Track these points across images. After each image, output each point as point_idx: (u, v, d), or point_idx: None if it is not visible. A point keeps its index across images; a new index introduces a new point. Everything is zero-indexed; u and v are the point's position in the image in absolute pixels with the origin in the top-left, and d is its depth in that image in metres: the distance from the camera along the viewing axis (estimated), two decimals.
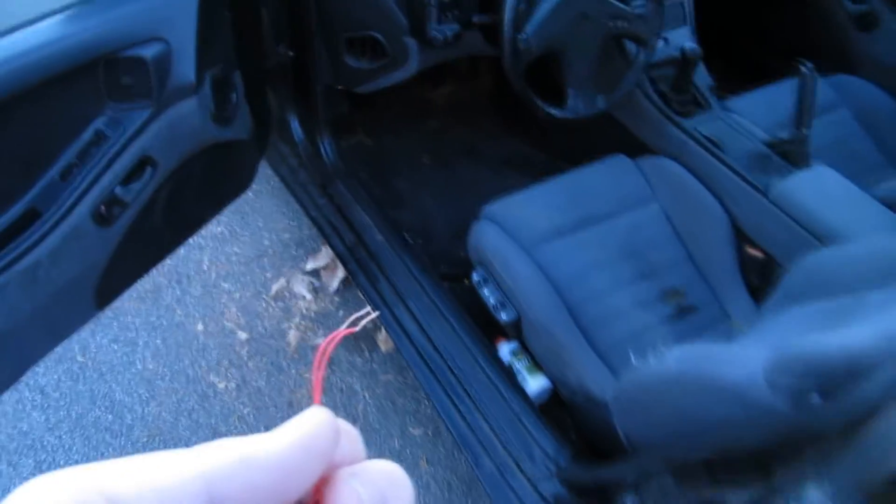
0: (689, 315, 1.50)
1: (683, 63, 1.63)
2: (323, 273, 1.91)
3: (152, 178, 1.24)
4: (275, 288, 1.88)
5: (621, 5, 1.40)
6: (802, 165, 1.58)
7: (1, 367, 1.13)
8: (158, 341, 1.74)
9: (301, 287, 1.88)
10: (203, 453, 0.23)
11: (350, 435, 0.27)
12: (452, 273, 1.64)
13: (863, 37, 2.10)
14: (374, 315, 0.33)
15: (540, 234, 1.48)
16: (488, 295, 1.44)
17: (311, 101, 1.73)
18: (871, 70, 2.11)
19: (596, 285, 1.46)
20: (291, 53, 1.67)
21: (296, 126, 1.79)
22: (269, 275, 1.92)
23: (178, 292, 1.84)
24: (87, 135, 1.14)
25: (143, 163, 1.20)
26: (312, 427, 0.24)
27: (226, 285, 1.88)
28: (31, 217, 1.10)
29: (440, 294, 1.49)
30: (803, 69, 1.51)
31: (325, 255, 1.92)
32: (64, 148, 1.13)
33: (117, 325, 1.76)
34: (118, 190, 1.18)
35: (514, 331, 1.45)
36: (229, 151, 1.42)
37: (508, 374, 1.43)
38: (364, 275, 1.56)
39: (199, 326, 1.77)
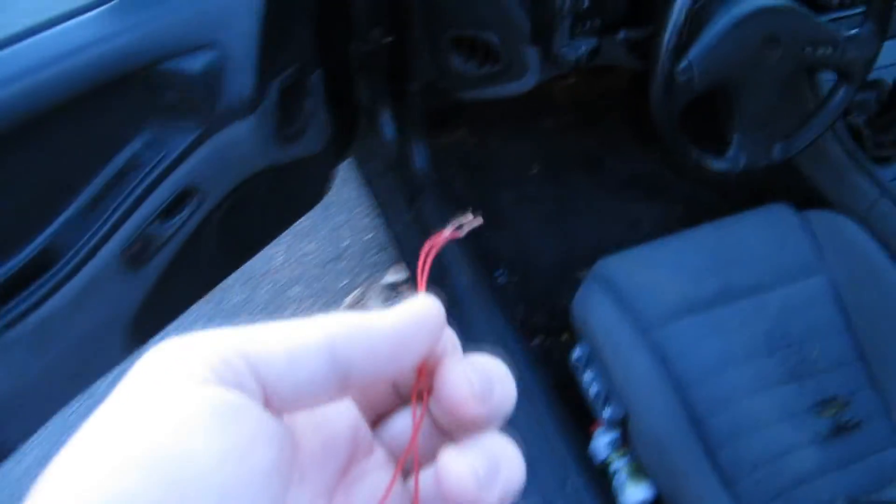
0: (849, 434, 1.16)
1: (893, 97, 1.22)
2: (402, 289, 1.68)
3: (197, 211, 1.03)
4: (348, 300, 1.67)
5: (828, 26, 1.02)
6: None
7: (10, 429, 0.98)
8: None
9: (377, 303, 1.66)
10: (328, 322, 0.24)
11: (452, 336, 0.28)
12: (549, 326, 1.36)
13: None
14: (478, 222, 0.30)
15: (666, 310, 1.17)
16: (590, 381, 1.16)
17: (406, 98, 1.45)
18: None
19: (731, 385, 1.14)
20: (389, 39, 1.39)
21: (387, 122, 1.52)
22: (344, 282, 1.71)
23: (244, 295, 1.67)
24: (120, 161, 0.93)
25: (185, 194, 0.98)
26: (423, 307, 0.26)
27: (296, 290, 1.69)
28: (46, 261, 0.91)
29: (528, 363, 1.22)
30: None
31: (406, 268, 1.68)
32: (91, 177, 0.92)
33: (165, 333, 1.61)
34: (154, 227, 0.97)
35: (619, 427, 1.17)
36: (296, 168, 1.18)
37: (601, 477, 1.17)
38: None
39: None
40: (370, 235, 1.80)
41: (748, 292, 1.22)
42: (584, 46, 1.02)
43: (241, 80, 0.96)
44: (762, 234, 1.28)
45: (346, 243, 1.79)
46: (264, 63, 0.99)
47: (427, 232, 1.46)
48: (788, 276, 1.24)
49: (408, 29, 1.30)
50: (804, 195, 1.35)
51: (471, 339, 1.29)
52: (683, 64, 0.95)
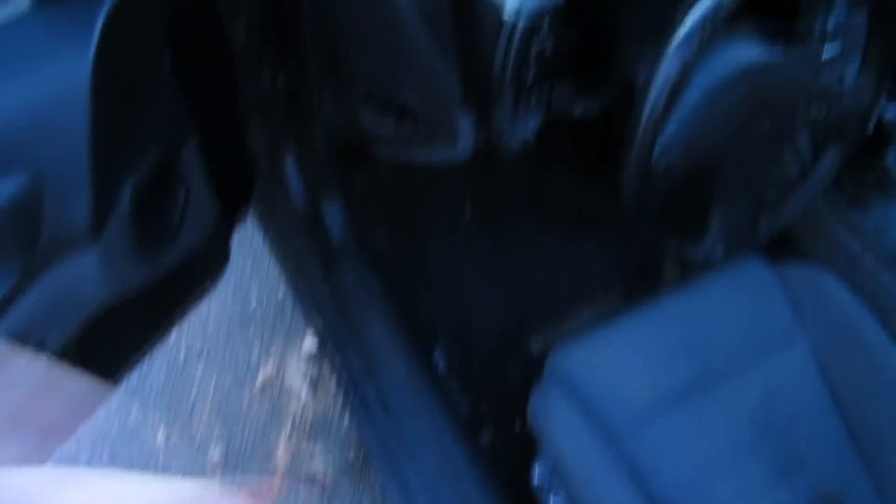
0: None
1: (878, 138, 1.06)
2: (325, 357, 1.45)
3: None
4: (262, 377, 1.43)
5: (823, 82, 0.84)
6: None
7: None
8: (105, 456, 1.31)
9: (296, 376, 1.43)
10: None
11: None
12: (498, 416, 1.17)
13: None
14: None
15: (637, 410, 0.99)
16: None
17: (313, 147, 1.20)
18: None
19: (716, 497, 0.98)
20: (283, 82, 1.12)
21: (292, 173, 1.26)
22: (255, 352, 1.47)
23: (136, 379, 1.40)
24: None
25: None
26: None
27: (199, 368, 1.43)
28: None
29: (477, 482, 1.03)
30: None
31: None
32: None
33: None
34: None
35: None
36: (176, 270, 0.93)
37: None
38: (370, 423, 1.10)
39: (161, 436, 1.34)
40: (284, 291, 1.55)
41: (726, 374, 1.05)
42: (530, 125, 0.80)
43: (71, 203, 0.69)
44: (735, 298, 1.12)
45: (255, 302, 1.54)
46: (106, 168, 0.72)
47: (347, 310, 1.23)
48: (768, 348, 1.08)
49: (306, 72, 1.04)
50: (777, 241, 1.19)
51: (406, 449, 1.09)
52: (659, 149, 0.75)
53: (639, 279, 1.41)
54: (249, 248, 1.60)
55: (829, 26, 0.98)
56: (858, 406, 1.07)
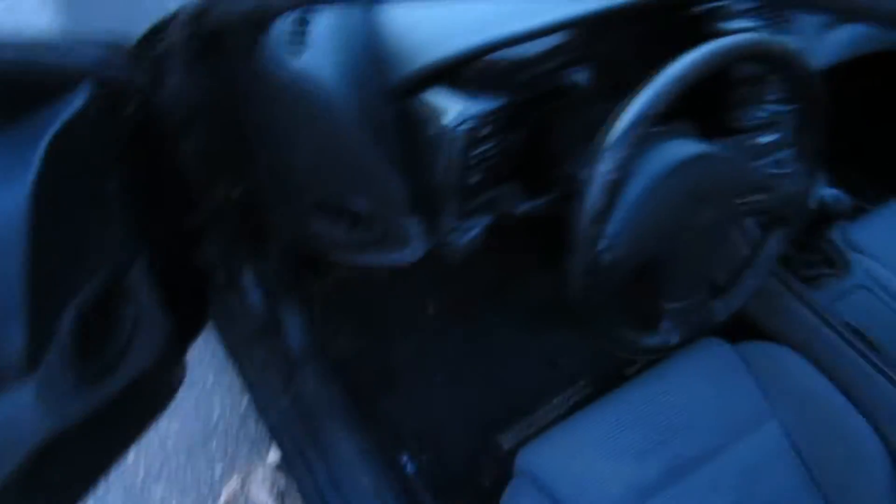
0: None
1: (820, 218, 1.09)
2: None
3: None
4: (226, 494, 1.36)
5: (759, 170, 0.87)
6: None
7: None
8: None
9: (262, 490, 1.36)
10: None
11: None
12: None
13: None
14: None
15: None
16: None
17: (269, 257, 1.19)
18: None
19: None
20: (236, 194, 1.13)
21: (250, 284, 1.25)
22: (218, 468, 1.40)
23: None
24: None
25: None
26: None
27: (159, 490, 1.36)
28: None
29: None
30: None
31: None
32: None
33: None
34: None
35: None
36: (124, 395, 0.89)
37: None
38: None
39: None
40: (246, 399, 1.50)
41: (700, 461, 1.03)
42: (476, 227, 0.81)
43: (2, 334, 0.67)
44: (701, 383, 1.11)
45: (217, 414, 1.48)
46: (44, 295, 0.71)
47: (310, 420, 1.20)
48: (739, 430, 1.07)
49: (257, 185, 1.05)
50: (735, 323, 1.20)
51: None
52: (604, 244, 0.76)
53: (607, 368, 1.40)
54: (212, 360, 1.56)
55: (759, 119, 1.04)
56: (835, 481, 1.05)
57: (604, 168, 0.69)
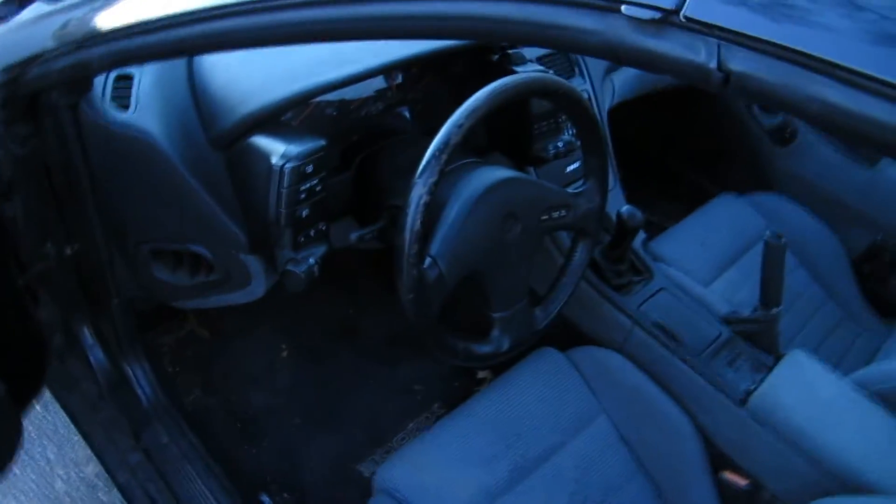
0: None
1: (620, 231, 1.25)
2: None
3: None
4: None
5: (558, 189, 1.00)
6: (773, 352, 1.25)
7: None
8: None
9: None
10: None
11: None
12: None
13: (780, 151, 1.86)
14: None
15: None
16: None
17: (111, 310, 1.17)
18: (790, 185, 1.89)
19: None
20: (70, 251, 1.11)
21: (91, 344, 1.22)
22: None
23: None
24: None
25: None
26: None
27: None
28: None
29: None
30: (771, 240, 1.18)
31: None
32: None
33: None
34: None
35: None
36: None
37: None
38: None
39: None
40: (93, 468, 1.43)
41: (542, 459, 1.13)
42: (312, 258, 0.87)
43: None
44: (539, 388, 1.22)
45: (61, 486, 1.40)
46: None
47: (165, 471, 1.17)
48: (575, 426, 1.18)
49: (91, 240, 1.04)
50: (565, 333, 1.33)
51: None
52: (427, 262, 0.84)
53: (460, 389, 1.49)
54: (53, 435, 1.48)
55: (558, 148, 1.19)
56: (656, 463, 1.19)
57: (417, 192, 0.79)
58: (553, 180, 1.28)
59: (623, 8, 0.41)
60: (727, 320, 1.30)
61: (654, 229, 1.52)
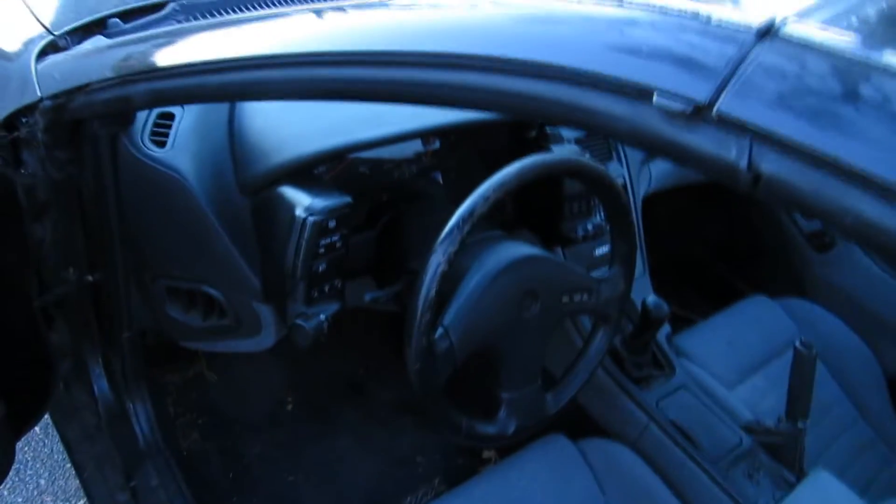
0: None
1: (645, 322, 1.22)
2: None
3: None
4: None
5: (582, 272, 0.97)
6: (795, 470, 1.18)
7: None
8: None
9: None
10: None
11: None
12: None
13: (817, 257, 1.82)
14: None
15: None
16: None
17: (119, 344, 1.17)
18: (826, 292, 1.84)
19: None
20: (90, 278, 1.11)
21: (97, 373, 1.21)
22: None
23: None
24: None
25: None
26: None
27: None
28: None
29: None
30: (801, 348, 1.13)
31: None
32: None
33: None
34: None
35: None
36: None
37: None
38: None
39: None
40: (84, 501, 1.40)
41: None
42: (323, 314, 0.85)
43: None
44: (543, 477, 1.16)
45: None
46: None
47: None
48: None
49: (112, 270, 1.05)
50: (577, 420, 1.28)
51: None
52: (439, 332, 0.82)
53: (463, 466, 1.44)
54: (47, 461, 1.46)
55: (588, 230, 1.17)
56: None
57: (435, 260, 0.77)
58: (581, 262, 1.26)
59: (655, 98, 0.40)
60: (749, 429, 1.24)
61: (680, 322, 1.48)
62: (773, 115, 0.37)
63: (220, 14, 1.11)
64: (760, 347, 1.58)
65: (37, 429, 1.50)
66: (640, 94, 0.41)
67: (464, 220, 0.78)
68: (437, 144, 1.15)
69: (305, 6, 0.68)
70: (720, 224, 1.98)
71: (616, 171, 1.33)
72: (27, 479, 1.42)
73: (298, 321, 0.84)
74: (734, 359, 1.53)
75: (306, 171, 0.88)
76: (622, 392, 1.25)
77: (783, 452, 1.20)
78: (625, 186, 1.34)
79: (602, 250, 1.29)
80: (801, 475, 1.15)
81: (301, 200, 0.83)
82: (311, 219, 0.82)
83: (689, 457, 1.18)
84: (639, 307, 1.23)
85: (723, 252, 1.99)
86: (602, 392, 1.26)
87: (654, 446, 1.21)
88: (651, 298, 1.20)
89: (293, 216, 0.82)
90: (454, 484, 1.16)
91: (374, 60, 0.55)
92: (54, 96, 0.85)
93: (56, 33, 0.98)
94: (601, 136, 1.16)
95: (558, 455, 1.20)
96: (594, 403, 1.27)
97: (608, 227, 1.18)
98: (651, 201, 1.47)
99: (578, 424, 1.27)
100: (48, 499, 1.40)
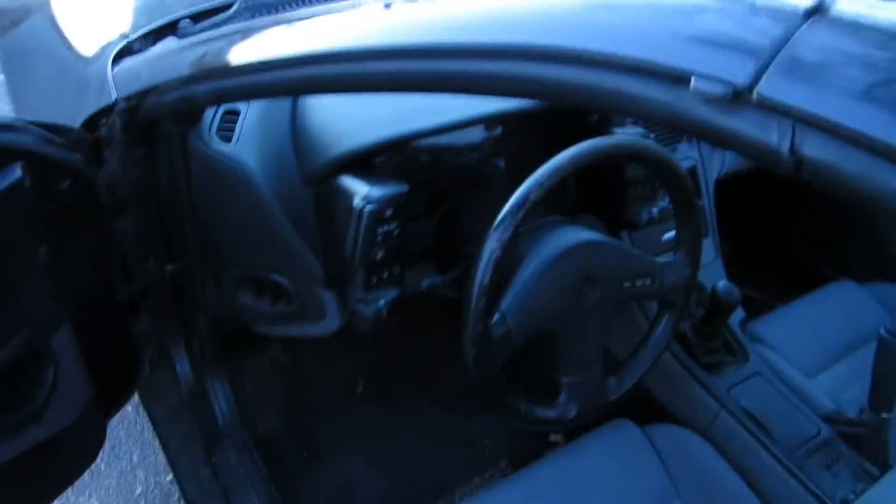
0: None
1: (714, 308, 1.18)
2: None
3: None
4: None
5: (645, 257, 0.95)
6: (879, 463, 1.12)
7: None
8: None
9: None
10: None
11: None
12: None
13: None
14: None
15: None
16: None
17: (199, 330, 1.23)
18: None
19: None
20: (169, 268, 1.18)
21: (179, 355, 1.28)
22: None
23: None
24: None
25: None
26: None
27: None
28: None
29: None
30: (887, 336, 1.07)
31: None
32: None
33: None
34: None
35: None
36: (39, 450, 0.91)
37: None
38: None
39: None
40: (171, 476, 1.49)
41: None
42: (382, 300, 0.87)
43: None
44: (610, 463, 1.15)
45: (139, 490, 1.47)
46: None
47: (229, 491, 1.20)
48: None
49: (187, 260, 1.11)
50: (645, 406, 1.26)
51: None
52: (496, 317, 0.83)
53: (529, 448, 1.44)
54: (140, 437, 1.56)
55: (653, 214, 1.14)
56: None
57: (490, 246, 0.77)
58: (648, 246, 1.23)
59: (692, 82, 0.39)
60: (829, 419, 1.19)
61: (758, 306, 1.42)
62: (817, 97, 0.35)
63: (285, 9, 1.14)
64: (844, 334, 1.50)
65: (129, 408, 1.60)
66: (678, 78, 0.40)
67: (518, 206, 0.78)
68: (498, 131, 1.14)
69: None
70: (801, 206, 1.88)
71: (686, 153, 1.29)
72: (121, 455, 1.52)
73: (358, 307, 0.87)
74: (815, 346, 1.46)
75: (365, 161, 0.90)
76: (691, 378, 1.22)
77: (865, 444, 1.14)
78: (694, 169, 1.30)
79: (669, 234, 1.26)
80: (884, 468, 1.09)
81: (359, 190, 0.85)
82: (368, 208, 0.84)
83: (763, 446, 1.14)
84: (709, 286, 1.19)
85: (805, 235, 1.89)
86: (670, 378, 1.24)
87: (725, 434, 1.18)
88: (722, 284, 1.16)
89: (351, 206, 0.85)
90: (520, 466, 1.16)
91: (431, 53, 0.56)
92: (129, 98, 0.90)
93: (131, 37, 1.04)
94: (637, 119, 1.13)
95: (625, 440, 1.18)
96: (662, 389, 1.25)
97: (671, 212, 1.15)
98: (728, 184, 1.42)
99: (646, 410, 1.24)
100: (140, 473, 1.50)
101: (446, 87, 0.58)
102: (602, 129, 1.09)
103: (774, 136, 0.37)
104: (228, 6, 1.13)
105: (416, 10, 0.62)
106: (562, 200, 1.15)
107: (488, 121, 1.08)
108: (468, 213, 1.03)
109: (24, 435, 0.87)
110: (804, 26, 0.37)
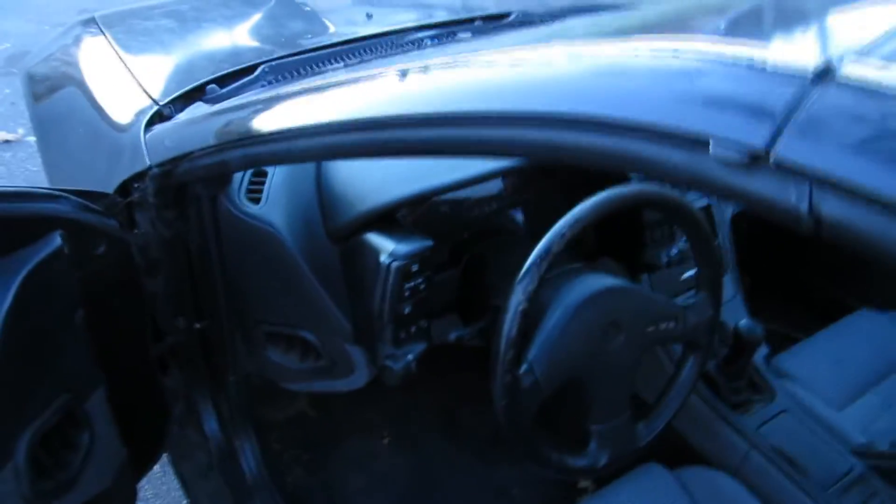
0: None
1: (738, 346, 1.18)
2: None
3: None
4: None
5: (666, 300, 0.96)
6: None
7: None
8: None
9: None
10: None
11: None
12: None
13: None
14: None
15: None
16: None
17: (227, 385, 1.25)
18: None
19: None
20: (198, 326, 1.20)
21: (207, 413, 1.29)
22: None
23: None
24: None
25: None
26: None
27: None
28: None
29: None
30: None
31: None
32: None
33: None
34: None
35: None
36: None
37: None
38: None
39: None
40: None
41: None
42: (410, 354, 0.89)
43: None
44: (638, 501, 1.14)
45: None
46: (4, 419, 0.76)
47: None
48: None
49: (217, 318, 1.13)
50: (674, 449, 1.25)
51: None
52: (524, 367, 0.84)
53: (560, 498, 1.43)
54: (166, 497, 1.56)
55: (672, 256, 1.16)
56: None
57: (516, 299, 0.79)
58: (667, 288, 1.24)
59: (711, 147, 0.41)
60: (861, 453, 1.18)
61: (782, 340, 1.42)
62: (832, 158, 0.37)
63: (305, 70, 1.19)
64: (871, 364, 1.49)
65: (157, 467, 1.60)
66: (697, 143, 0.42)
67: (541, 258, 0.80)
68: (516, 180, 1.17)
69: (381, 66, 0.72)
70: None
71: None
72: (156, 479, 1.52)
73: (387, 362, 0.88)
74: (842, 377, 1.45)
75: (389, 217, 0.93)
76: (719, 418, 1.21)
77: None
78: (709, 207, 1.31)
79: (689, 274, 1.27)
80: None
81: (385, 247, 0.88)
82: (395, 264, 0.86)
83: (796, 484, 1.13)
84: (731, 323, 1.19)
85: (825, 266, 1.89)
86: (698, 419, 1.23)
87: (757, 474, 1.17)
88: (744, 322, 1.17)
89: (378, 262, 0.87)
90: None
91: (449, 121, 0.58)
92: (162, 164, 0.94)
93: (161, 103, 1.08)
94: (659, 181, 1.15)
95: (655, 485, 1.17)
96: (691, 431, 1.24)
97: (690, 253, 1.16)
98: (743, 219, 1.43)
99: (675, 452, 1.23)
100: None
101: (476, 152, 0.61)
102: (618, 175, 1.12)
103: (793, 197, 0.38)
104: (251, 68, 1.17)
105: (441, 76, 0.65)
106: (581, 245, 1.17)
107: (504, 173, 1.11)
108: (490, 263, 1.05)
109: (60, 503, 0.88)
110: (815, 89, 0.39)
